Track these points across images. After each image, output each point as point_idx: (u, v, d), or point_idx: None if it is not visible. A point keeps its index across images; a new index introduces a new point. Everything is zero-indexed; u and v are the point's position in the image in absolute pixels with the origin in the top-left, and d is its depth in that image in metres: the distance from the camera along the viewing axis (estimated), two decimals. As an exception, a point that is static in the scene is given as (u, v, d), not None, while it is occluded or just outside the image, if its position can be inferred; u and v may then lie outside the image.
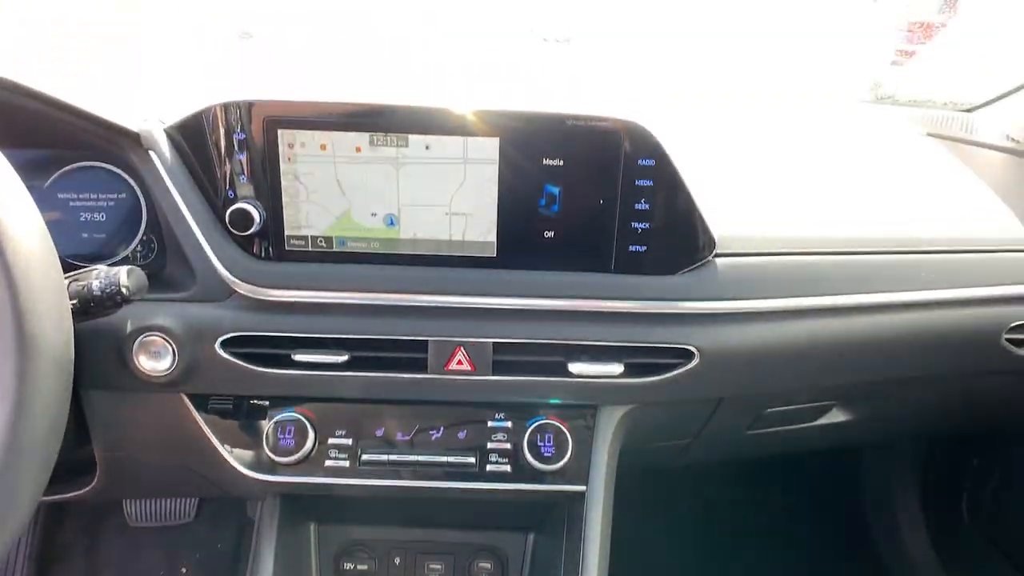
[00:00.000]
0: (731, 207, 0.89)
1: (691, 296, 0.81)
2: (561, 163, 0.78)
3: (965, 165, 1.09)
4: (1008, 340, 0.94)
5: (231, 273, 0.78)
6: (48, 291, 0.56)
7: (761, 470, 1.61)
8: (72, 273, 0.68)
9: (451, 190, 0.78)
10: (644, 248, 0.80)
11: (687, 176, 0.78)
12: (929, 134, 1.16)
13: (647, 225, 0.80)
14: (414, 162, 0.77)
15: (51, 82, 0.75)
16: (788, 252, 0.85)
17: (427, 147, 0.77)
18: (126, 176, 0.84)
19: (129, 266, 0.68)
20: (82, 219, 0.85)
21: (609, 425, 0.86)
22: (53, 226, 0.61)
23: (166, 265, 0.84)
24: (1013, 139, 1.17)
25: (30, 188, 0.60)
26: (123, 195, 0.85)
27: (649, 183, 0.78)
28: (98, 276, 0.67)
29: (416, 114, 0.77)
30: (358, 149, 0.77)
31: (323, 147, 0.77)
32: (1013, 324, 0.94)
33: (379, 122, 0.76)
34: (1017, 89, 1.19)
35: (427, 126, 0.76)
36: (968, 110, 1.25)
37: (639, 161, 0.78)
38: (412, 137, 0.77)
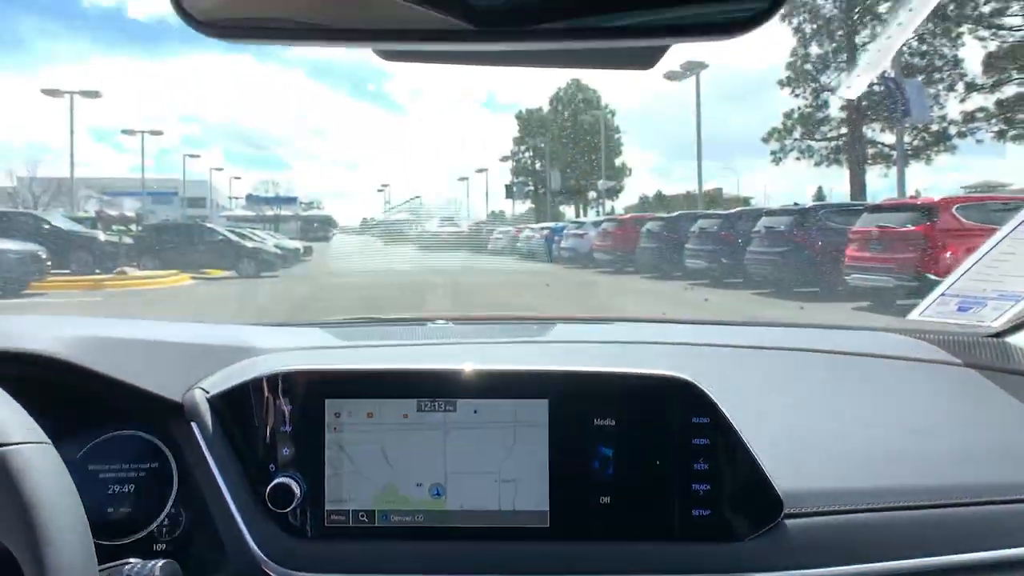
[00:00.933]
0: (787, 457, 0.84)
1: (765, 566, 0.74)
2: (613, 423, 0.75)
3: (1012, 396, 1.06)
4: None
5: (265, 554, 0.72)
6: None
7: None
8: (104, 568, 0.63)
9: (500, 455, 0.75)
10: (708, 512, 0.75)
11: (745, 431, 0.75)
12: (967, 364, 1.15)
13: (708, 487, 0.75)
14: (462, 427, 0.75)
15: (86, 350, 0.76)
16: (860, 508, 0.79)
17: (475, 411, 0.75)
18: (161, 446, 0.82)
19: (163, 560, 0.63)
20: (109, 491, 0.81)
21: None
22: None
23: (192, 542, 0.78)
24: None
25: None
26: (155, 464, 0.81)
27: (706, 442, 0.75)
28: (130, 572, 0.62)
29: (464, 378, 0.76)
30: (405, 416, 0.75)
31: (369, 415, 0.75)
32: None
33: (427, 387, 0.76)
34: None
35: (475, 389, 0.76)
36: (996, 335, 1.26)
37: (693, 419, 0.75)
38: (460, 401, 0.75)
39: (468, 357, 0.80)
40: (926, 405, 1.03)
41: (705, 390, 0.75)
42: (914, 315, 1.34)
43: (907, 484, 0.83)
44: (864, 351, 1.16)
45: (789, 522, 0.76)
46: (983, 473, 0.88)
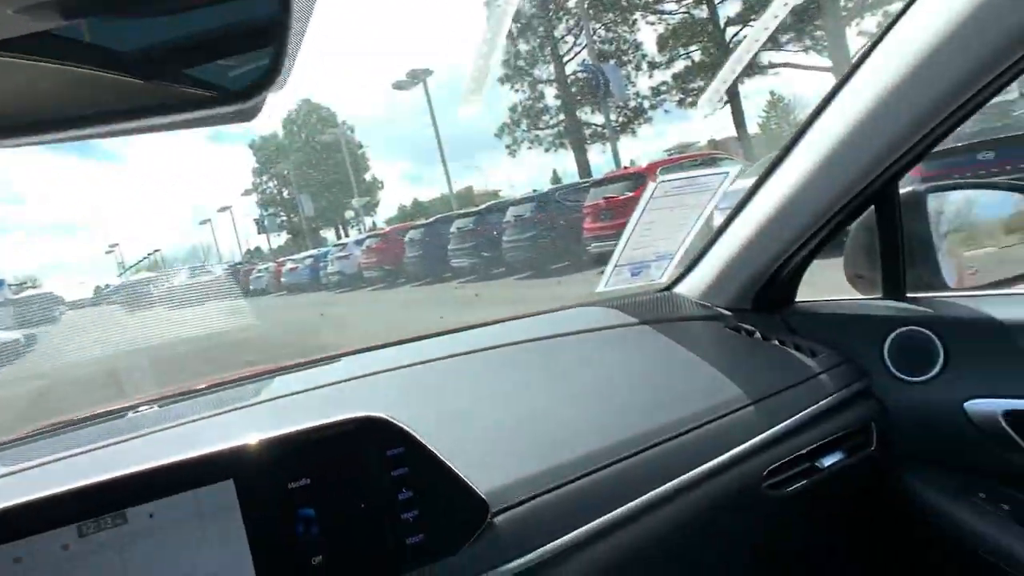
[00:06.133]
0: (490, 455, 0.90)
1: (485, 567, 0.78)
2: (309, 481, 0.74)
3: (676, 342, 1.25)
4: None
5: None
6: None
7: None
8: None
9: (193, 556, 0.70)
10: (420, 536, 0.77)
11: (444, 445, 0.79)
12: (643, 322, 1.33)
13: (415, 512, 0.77)
14: (139, 538, 0.68)
15: None
16: (559, 484, 0.88)
17: (151, 515, 0.69)
18: None
19: None
20: None
21: None
22: None
23: None
24: (703, 304, 1.38)
25: None
26: None
27: (405, 471, 0.77)
28: None
29: (132, 481, 0.69)
30: (66, 547, 0.66)
31: (17, 560, 0.65)
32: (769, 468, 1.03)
33: (90, 505, 0.67)
34: (696, 261, 1.42)
35: (147, 491, 0.69)
36: (665, 289, 1.47)
37: (388, 452, 0.77)
38: (131, 510, 0.68)
39: (156, 450, 0.72)
40: (611, 369, 1.17)
41: (394, 420, 0.77)
42: (600, 287, 1.52)
43: (596, 448, 0.94)
44: (562, 331, 1.28)
45: (498, 519, 0.82)
46: (655, 418, 1.02)
